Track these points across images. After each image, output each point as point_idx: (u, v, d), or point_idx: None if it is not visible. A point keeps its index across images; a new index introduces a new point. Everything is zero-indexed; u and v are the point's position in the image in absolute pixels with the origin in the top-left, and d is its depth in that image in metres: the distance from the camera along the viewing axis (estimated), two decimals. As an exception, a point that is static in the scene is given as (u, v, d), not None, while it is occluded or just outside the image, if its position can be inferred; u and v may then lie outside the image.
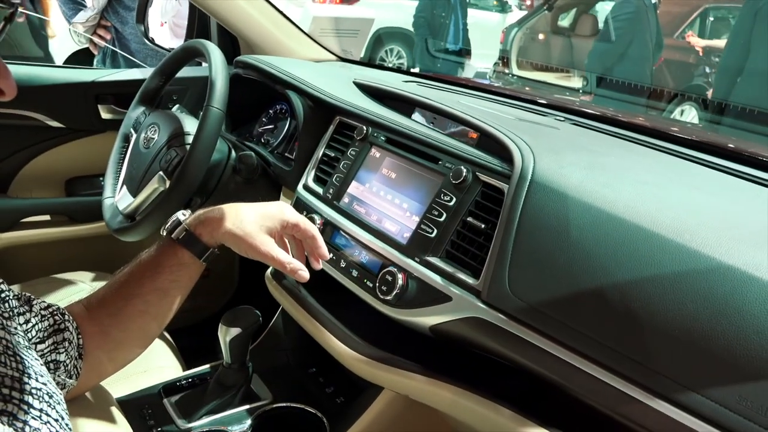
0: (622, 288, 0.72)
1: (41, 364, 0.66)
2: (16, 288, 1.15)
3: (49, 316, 0.79)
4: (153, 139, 1.24)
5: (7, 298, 0.72)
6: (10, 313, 0.70)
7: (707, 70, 4.78)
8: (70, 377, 0.80)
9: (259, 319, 1.10)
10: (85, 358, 0.82)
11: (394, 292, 0.94)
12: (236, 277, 2.07)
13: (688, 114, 4.47)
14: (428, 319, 0.91)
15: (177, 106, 1.39)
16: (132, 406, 1.11)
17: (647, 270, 0.71)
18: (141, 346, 0.91)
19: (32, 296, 0.79)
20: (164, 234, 0.91)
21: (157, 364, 1.29)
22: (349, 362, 1.03)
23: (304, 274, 0.90)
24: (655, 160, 1.05)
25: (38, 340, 0.76)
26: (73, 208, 1.71)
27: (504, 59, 5.63)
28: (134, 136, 1.34)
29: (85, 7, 2.57)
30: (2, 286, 0.72)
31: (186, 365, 1.33)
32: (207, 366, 1.24)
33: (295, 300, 1.16)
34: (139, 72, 1.72)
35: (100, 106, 1.65)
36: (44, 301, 0.81)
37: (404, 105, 1.23)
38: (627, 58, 4.05)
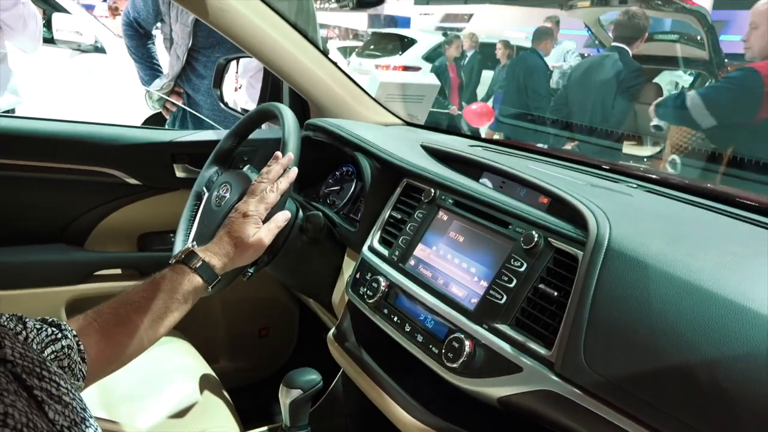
0: (711, 365, 0.67)
1: None
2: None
3: (42, 329, 0.82)
4: (225, 197, 1.28)
5: (6, 321, 0.77)
6: (11, 333, 0.72)
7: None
8: (78, 380, 0.85)
9: (320, 383, 1.08)
10: (88, 362, 0.87)
11: (461, 360, 0.91)
12: (296, 336, 2.07)
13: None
14: (497, 390, 0.87)
15: (248, 166, 1.43)
16: (189, 465, 1.09)
17: (739, 347, 0.66)
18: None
19: (22, 315, 0.83)
20: (176, 261, 1.03)
21: (214, 424, 1.28)
22: (411, 432, 0.99)
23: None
24: (738, 230, 0.99)
25: (38, 351, 0.78)
26: (144, 263, 1.76)
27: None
28: (206, 194, 1.38)
29: (162, 73, 2.73)
30: None
31: (243, 426, 1.31)
32: (265, 428, 1.22)
33: (357, 363, 1.13)
34: (213, 133, 1.79)
35: (175, 165, 1.72)
36: (34, 318, 0.85)
37: (472, 168, 1.22)
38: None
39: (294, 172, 1.16)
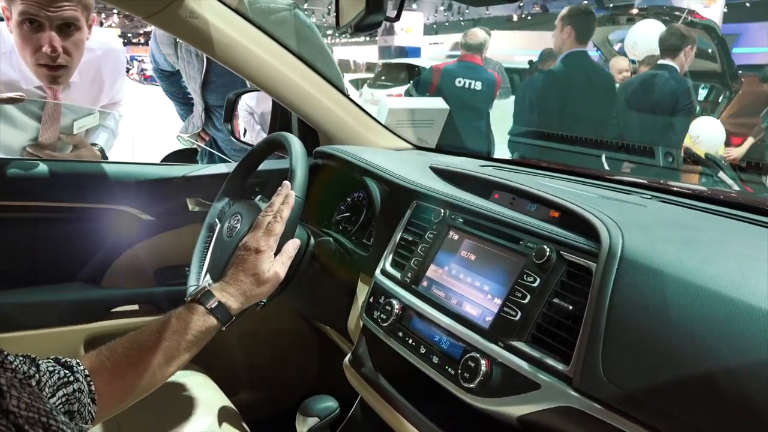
0: (734, 372, 0.65)
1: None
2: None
3: (55, 371, 0.83)
4: (236, 228, 1.28)
5: (20, 364, 0.77)
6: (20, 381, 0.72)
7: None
8: (86, 423, 0.85)
9: (338, 409, 1.07)
10: (98, 401, 0.87)
11: (478, 380, 0.89)
12: (315, 365, 2.05)
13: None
14: (516, 408, 0.85)
15: (259, 196, 1.44)
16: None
17: (762, 352, 0.64)
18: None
19: (36, 357, 0.83)
20: (190, 299, 1.03)
21: (234, 457, 1.26)
22: (431, 457, 0.97)
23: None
24: (754, 235, 0.97)
25: (49, 395, 0.81)
26: (160, 298, 1.77)
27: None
28: (218, 225, 1.38)
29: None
30: (9, 357, 0.70)
31: (263, 458, 1.30)
32: (284, 459, 1.20)
33: (375, 389, 1.12)
34: (225, 166, 1.81)
35: (188, 200, 1.73)
36: (48, 359, 0.86)
37: (481, 187, 1.21)
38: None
39: (292, 197, 1.15)
